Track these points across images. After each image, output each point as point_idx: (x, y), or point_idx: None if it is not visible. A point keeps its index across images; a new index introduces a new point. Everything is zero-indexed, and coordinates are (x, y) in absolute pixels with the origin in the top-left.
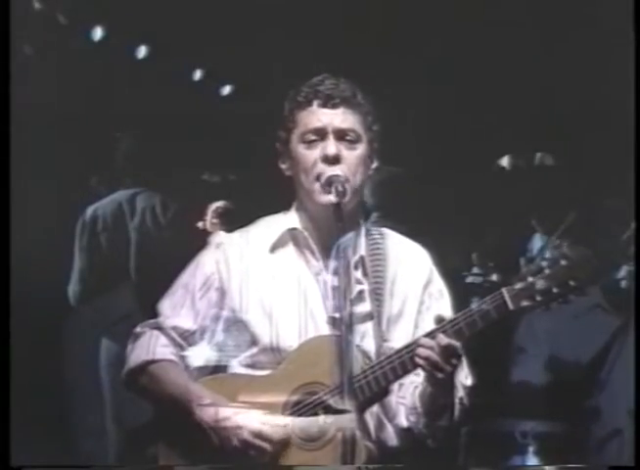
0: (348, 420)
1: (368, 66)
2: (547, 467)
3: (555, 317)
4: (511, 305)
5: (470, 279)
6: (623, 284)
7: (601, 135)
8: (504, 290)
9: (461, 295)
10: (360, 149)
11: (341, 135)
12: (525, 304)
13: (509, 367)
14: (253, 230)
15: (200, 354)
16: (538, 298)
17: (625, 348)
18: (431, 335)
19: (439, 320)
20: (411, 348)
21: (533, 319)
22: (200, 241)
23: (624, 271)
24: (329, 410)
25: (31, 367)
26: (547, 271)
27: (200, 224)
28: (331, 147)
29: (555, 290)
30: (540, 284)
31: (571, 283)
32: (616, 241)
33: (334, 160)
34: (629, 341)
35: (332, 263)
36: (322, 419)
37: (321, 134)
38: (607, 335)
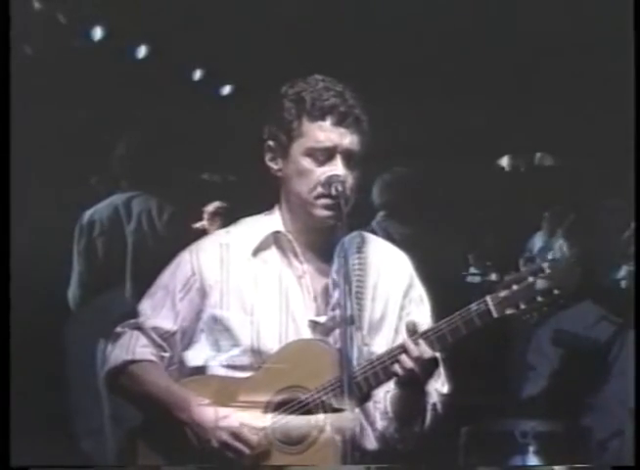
0: (344, 419)
1: (369, 67)
2: (556, 467)
3: (557, 320)
4: (495, 313)
5: (468, 279)
6: (623, 284)
7: (601, 135)
8: (488, 298)
9: (460, 294)
10: (358, 164)
11: (347, 155)
12: (509, 312)
13: (509, 368)
14: (235, 231)
15: (180, 355)
16: (522, 306)
17: (625, 348)
18: (413, 341)
19: (413, 326)
20: (394, 354)
21: (535, 322)
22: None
23: (624, 271)
24: (311, 413)
25: (31, 368)
26: (531, 280)
27: (198, 225)
28: (340, 168)
29: (539, 298)
30: (524, 292)
31: (556, 292)
32: (616, 241)
33: (340, 182)
34: (629, 341)
35: (335, 263)
36: (305, 421)
37: (329, 153)
38: (607, 335)
